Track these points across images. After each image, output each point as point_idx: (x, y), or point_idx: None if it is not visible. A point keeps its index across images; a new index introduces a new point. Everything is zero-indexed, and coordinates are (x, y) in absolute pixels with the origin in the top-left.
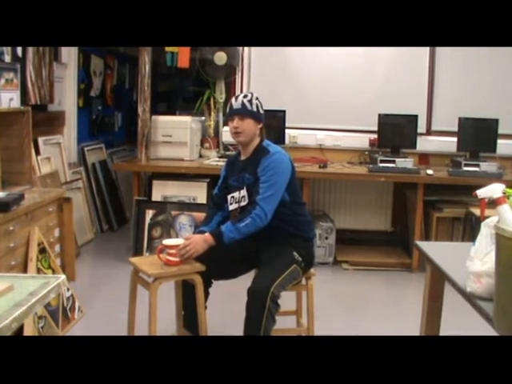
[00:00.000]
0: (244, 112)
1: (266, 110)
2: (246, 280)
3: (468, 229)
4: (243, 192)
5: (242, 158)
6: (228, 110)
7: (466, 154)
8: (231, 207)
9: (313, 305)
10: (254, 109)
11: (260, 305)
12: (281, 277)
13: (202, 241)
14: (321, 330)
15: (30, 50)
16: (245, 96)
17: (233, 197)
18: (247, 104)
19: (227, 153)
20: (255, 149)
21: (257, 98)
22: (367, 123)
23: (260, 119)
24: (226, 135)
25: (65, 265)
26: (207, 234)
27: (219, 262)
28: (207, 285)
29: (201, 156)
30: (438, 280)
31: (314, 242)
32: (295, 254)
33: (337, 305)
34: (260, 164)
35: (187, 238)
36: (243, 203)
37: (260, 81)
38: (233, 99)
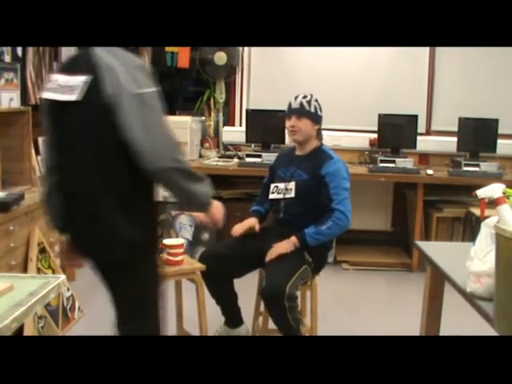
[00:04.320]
0: (301, 112)
1: (265, 110)
2: (246, 279)
3: (468, 229)
4: (290, 185)
5: (298, 153)
6: (287, 109)
7: (466, 153)
8: (272, 196)
9: (316, 305)
10: (312, 110)
11: (279, 308)
12: (293, 277)
13: (286, 242)
14: (321, 329)
15: (30, 49)
16: (304, 97)
17: (276, 186)
18: (305, 104)
19: (227, 152)
20: (314, 149)
21: (316, 100)
22: (367, 123)
23: (317, 120)
24: (226, 135)
25: (65, 265)
26: (292, 237)
27: (225, 261)
28: (231, 282)
29: (201, 156)
30: (438, 280)
31: (330, 251)
32: (306, 254)
33: (337, 305)
34: (323, 167)
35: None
36: (288, 195)
37: (260, 81)
38: (292, 99)
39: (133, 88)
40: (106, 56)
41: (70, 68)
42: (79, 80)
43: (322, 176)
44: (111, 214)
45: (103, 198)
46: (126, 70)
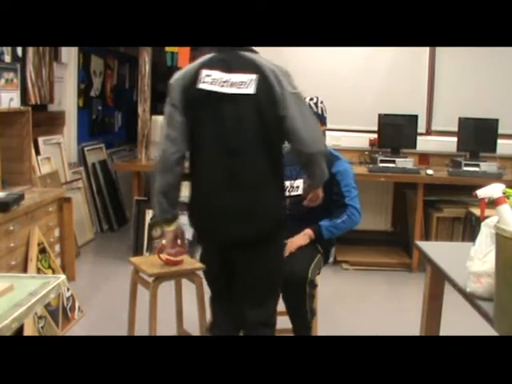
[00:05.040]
0: None
1: None
2: None
3: (468, 229)
4: (297, 183)
5: None
6: None
7: (466, 154)
8: None
9: (316, 304)
10: (320, 111)
11: (299, 293)
12: (312, 264)
13: (302, 235)
14: (321, 329)
15: (30, 49)
16: (311, 99)
17: None
18: (313, 106)
19: None
20: None
21: (322, 102)
22: (367, 123)
23: (324, 122)
24: None
25: (65, 265)
26: (307, 229)
27: None
28: None
29: None
30: (438, 280)
31: (333, 248)
32: (318, 245)
33: (337, 304)
34: (333, 166)
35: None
36: (294, 193)
37: None
38: None
39: (290, 88)
40: (262, 59)
41: (230, 67)
42: (248, 77)
43: (333, 174)
44: (270, 193)
45: (267, 179)
46: (281, 74)
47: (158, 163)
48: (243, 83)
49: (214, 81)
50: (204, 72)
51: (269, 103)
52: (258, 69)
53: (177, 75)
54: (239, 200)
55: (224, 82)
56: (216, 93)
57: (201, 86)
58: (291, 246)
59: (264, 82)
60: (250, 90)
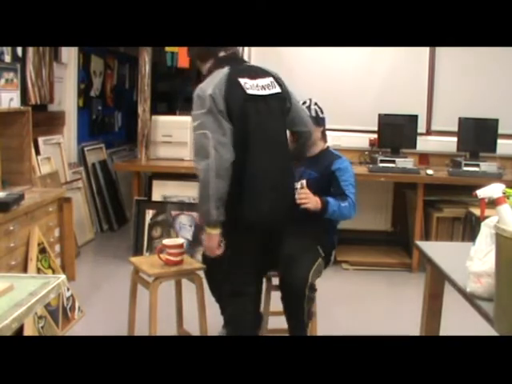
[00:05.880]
0: None
1: None
2: None
3: (468, 229)
4: (299, 184)
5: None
6: None
7: (466, 154)
8: None
9: (316, 305)
10: (313, 114)
11: (298, 296)
12: (313, 268)
13: (316, 198)
14: (321, 329)
15: (30, 49)
16: (303, 102)
17: None
18: (306, 111)
19: None
20: (322, 150)
21: (315, 104)
22: (367, 123)
23: (319, 123)
24: None
25: (65, 265)
26: (317, 198)
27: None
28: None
29: None
30: (438, 280)
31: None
32: (319, 248)
33: (337, 304)
34: (334, 164)
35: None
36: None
37: None
38: None
39: (286, 85)
40: (267, 67)
41: (251, 74)
42: (268, 80)
43: (332, 171)
44: (292, 183)
45: (290, 162)
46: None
47: (211, 169)
48: (269, 85)
49: (251, 86)
50: (241, 80)
51: (284, 97)
52: (267, 73)
53: (210, 87)
54: (283, 182)
55: (257, 86)
56: (256, 95)
57: (249, 91)
58: (305, 199)
59: (277, 82)
60: (278, 89)
